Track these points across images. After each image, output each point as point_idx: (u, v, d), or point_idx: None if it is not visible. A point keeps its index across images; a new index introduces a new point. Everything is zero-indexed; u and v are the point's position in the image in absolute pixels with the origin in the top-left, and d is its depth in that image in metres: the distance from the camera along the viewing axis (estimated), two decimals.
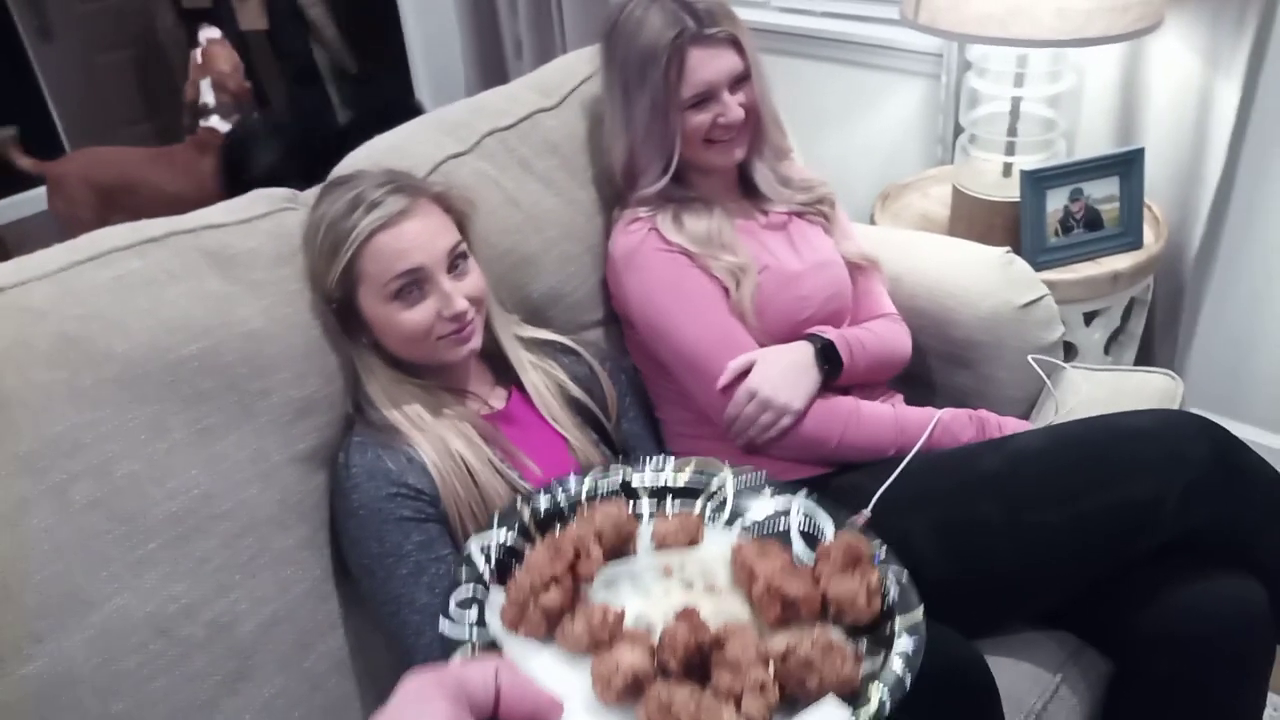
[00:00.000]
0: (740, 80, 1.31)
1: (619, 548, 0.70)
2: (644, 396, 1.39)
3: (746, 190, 1.44)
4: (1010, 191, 1.73)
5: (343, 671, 1.11)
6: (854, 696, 0.59)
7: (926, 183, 2.03)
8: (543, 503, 0.76)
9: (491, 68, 2.94)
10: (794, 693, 0.58)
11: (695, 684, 0.57)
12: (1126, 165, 1.71)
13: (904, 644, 0.63)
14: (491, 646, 0.62)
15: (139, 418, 0.99)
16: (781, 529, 0.76)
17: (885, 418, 1.27)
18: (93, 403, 0.97)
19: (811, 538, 0.75)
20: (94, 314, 1.00)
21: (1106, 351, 1.86)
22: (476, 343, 1.14)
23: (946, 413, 1.27)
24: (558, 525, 0.74)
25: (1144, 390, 1.40)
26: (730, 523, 0.77)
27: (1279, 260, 1.87)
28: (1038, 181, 1.68)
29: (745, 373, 1.26)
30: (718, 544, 0.72)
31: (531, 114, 1.43)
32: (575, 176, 1.43)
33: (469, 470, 1.08)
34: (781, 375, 1.25)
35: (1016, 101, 1.75)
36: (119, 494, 0.97)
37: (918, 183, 2.04)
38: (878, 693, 0.59)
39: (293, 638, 1.07)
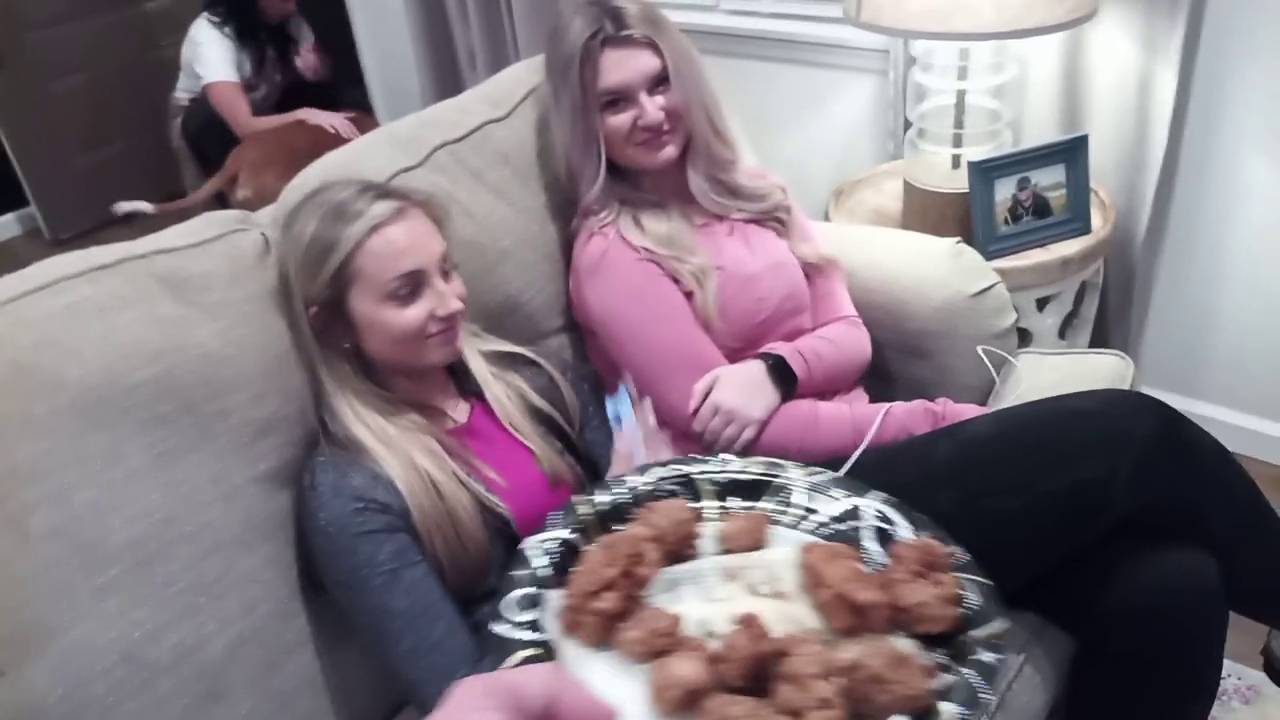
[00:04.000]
0: (660, 83, 1.32)
1: (681, 549, 0.67)
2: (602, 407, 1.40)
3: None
4: (959, 183, 1.76)
5: (314, 689, 1.11)
6: (926, 715, 0.55)
7: (879, 178, 2.06)
8: (603, 499, 0.72)
9: (446, 79, 2.94)
10: (861, 709, 0.55)
11: (755, 697, 0.54)
12: (1071, 152, 1.75)
13: (982, 658, 0.58)
14: (546, 650, 0.59)
15: (96, 444, 0.99)
16: (853, 530, 0.72)
17: (843, 419, 1.29)
18: (48, 431, 0.96)
19: (886, 539, 0.70)
20: (46, 342, 0.99)
21: (1061, 336, 1.89)
22: (461, 344, 1.16)
23: (899, 407, 1.30)
24: (617, 524, 0.70)
25: (1096, 372, 1.43)
26: (798, 524, 0.73)
27: (1227, 239, 1.92)
28: (985, 172, 1.71)
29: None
30: (785, 546, 0.69)
31: (482, 125, 1.44)
32: (528, 185, 1.44)
33: (435, 485, 1.08)
34: (741, 390, 1.28)
35: (961, 94, 1.78)
36: (78, 522, 0.96)
37: (871, 178, 2.07)
38: (954, 712, 0.54)
39: (261, 657, 1.07)
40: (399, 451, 1.08)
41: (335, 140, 2.70)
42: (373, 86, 3.31)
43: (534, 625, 0.61)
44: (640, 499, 0.73)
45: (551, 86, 1.35)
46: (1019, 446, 1.10)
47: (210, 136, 3.05)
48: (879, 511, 0.72)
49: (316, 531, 1.05)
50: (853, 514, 0.73)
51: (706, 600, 0.64)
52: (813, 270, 1.45)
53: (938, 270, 1.48)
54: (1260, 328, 1.95)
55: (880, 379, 1.50)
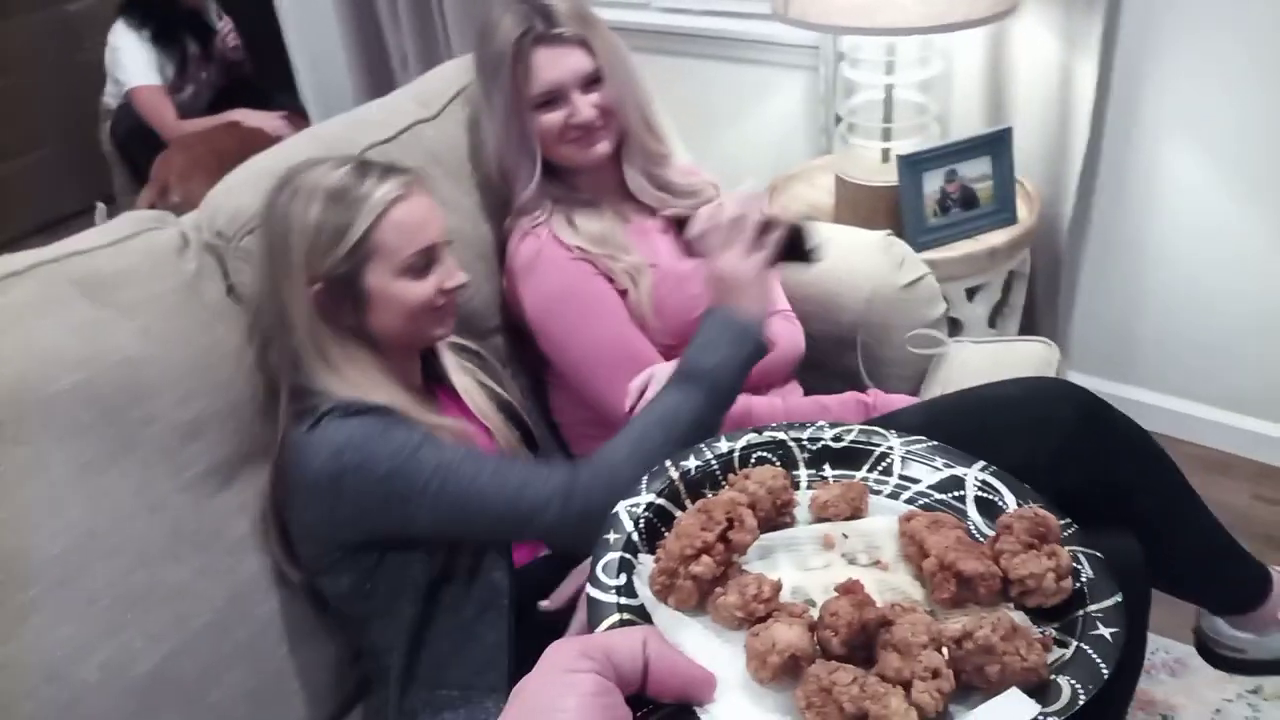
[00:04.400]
0: (592, 81, 1.32)
1: (774, 517, 0.65)
2: (540, 403, 1.40)
3: (629, 192, 1.46)
4: (889, 176, 1.79)
5: (253, 701, 1.10)
6: (1041, 688, 0.52)
7: (813, 172, 2.08)
8: (692, 464, 0.70)
9: (378, 80, 2.91)
10: (971, 681, 0.52)
11: (859, 666, 0.52)
12: (996, 144, 1.79)
13: (1099, 632, 0.56)
14: (639, 615, 0.57)
15: (14, 458, 0.96)
16: (956, 499, 0.69)
17: (777, 415, 1.30)
18: None
19: (990, 509, 0.68)
20: None
21: (992, 324, 1.94)
22: (453, 324, 1.19)
23: (832, 399, 1.31)
24: (708, 490, 0.68)
25: (1024, 359, 1.46)
26: (898, 494, 0.70)
27: (1148, 226, 1.97)
28: (913, 165, 1.74)
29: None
30: (884, 515, 0.66)
31: (411, 125, 1.42)
32: (460, 185, 1.43)
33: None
34: None
35: (889, 89, 1.81)
36: None
37: (804, 173, 2.09)
38: (1069, 685, 0.52)
39: (195, 673, 1.05)
40: (412, 409, 1.09)
41: (265, 142, 2.66)
42: (304, 88, 3.26)
43: (627, 589, 0.59)
44: (732, 465, 0.71)
45: (483, 86, 1.34)
46: (945, 434, 1.11)
47: (138, 141, 2.99)
48: (982, 481, 0.70)
49: (340, 449, 1.01)
50: (955, 483, 0.70)
51: (802, 569, 0.62)
52: None
53: (869, 263, 1.50)
54: (1183, 312, 2.01)
55: (815, 371, 1.52)
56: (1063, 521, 0.64)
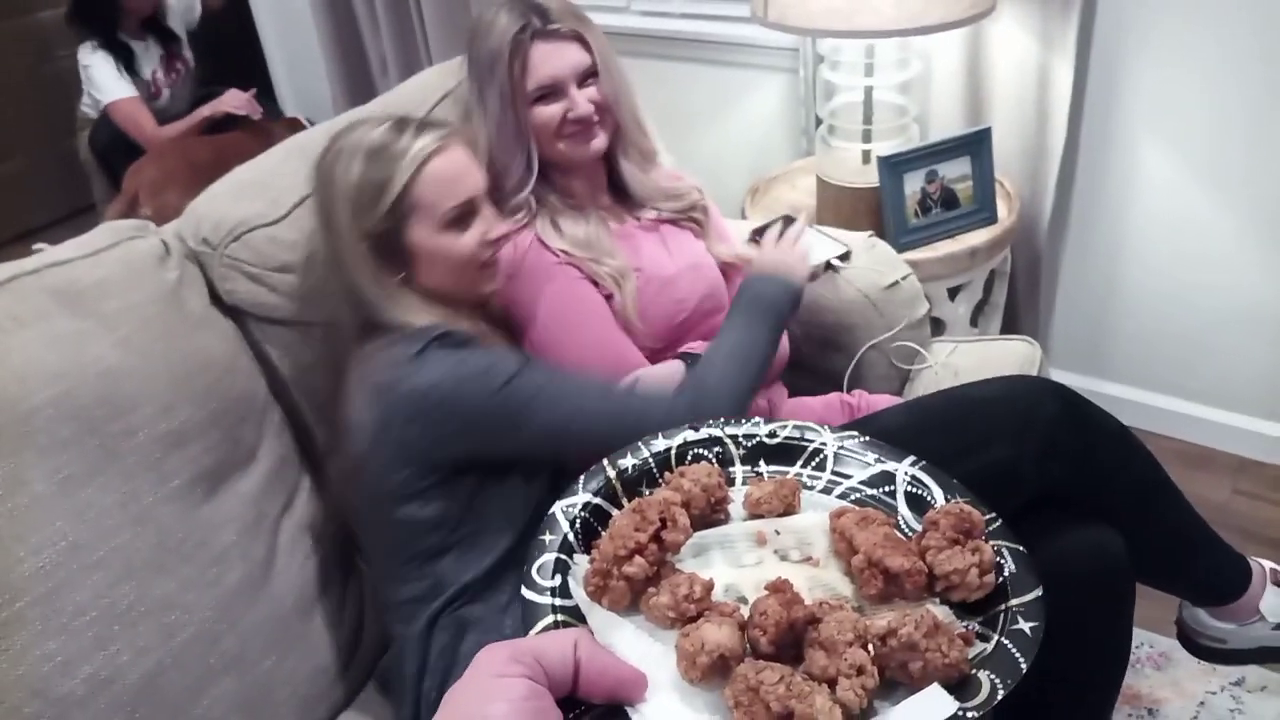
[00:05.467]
0: (588, 76, 1.33)
1: (709, 514, 0.66)
2: None
3: (616, 194, 1.47)
4: (870, 178, 1.80)
5: (243, 712, 1.09)
6: (962, 683, 0.54)
7: (794, 174, 2.09)
8: (629, 463, 0.70)
9: (358, 86, 2.90)
10: (895, 677, 0.54)
11: (787, 664, 0.53)
12: (975, 145, 1.80)
13: (1020, 626, 0.57)
14: (574, 615, 0.58)
15: None
16: (886, 495, 0.71)
17: (760, 415, 1.31)
18: None
19: (920, 504, 0.69)
20: None
21: (974, 323, 1.95)
22: (500, 279, 1.23)
23: (816, 400, 1.32)
24: (645, 488, 0.69)
25: (1007, 357, 1.48)
26: (830, 489, 0.72)
27: (1126, 224, 1.99)
28: (894, 166, 1.75)
29: None
30: (816, 511, 0.68)
31: None
32: None
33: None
34: None
35: (869, 91, 1.82)
36: None
37: (786, 175, 2.10)
38: (989, 680, 0.53)
39: (183, 685, 1.04)
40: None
41: (240, 152, 2.65)
42: (283, 95, 3.25)
43: (562, 590, 0.60)
44: (669, 463, 0.72)
45: (476, 84, 1.34)
46: (930, 434, 1.13)
47: (119, 150, 2.97)
48: (911, 476, 0.71)
49: (439, 384, 1.06)
50: (886, 479, 0.72)
51: (735, 566, 0.63)
52: (730, 269, 1.47)
53: (851, 264, 1.51)
54: (1162, 309, 2.03)
55: (800, 372, 1.53)
56: (988, 516, 0.65)
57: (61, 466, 1.00)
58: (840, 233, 1.58)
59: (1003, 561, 0.62)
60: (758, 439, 0.75)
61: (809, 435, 0.75)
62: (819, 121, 1.99)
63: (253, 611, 1.12)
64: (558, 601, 0.59)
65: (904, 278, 1.51)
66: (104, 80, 2.89)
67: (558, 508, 0.66)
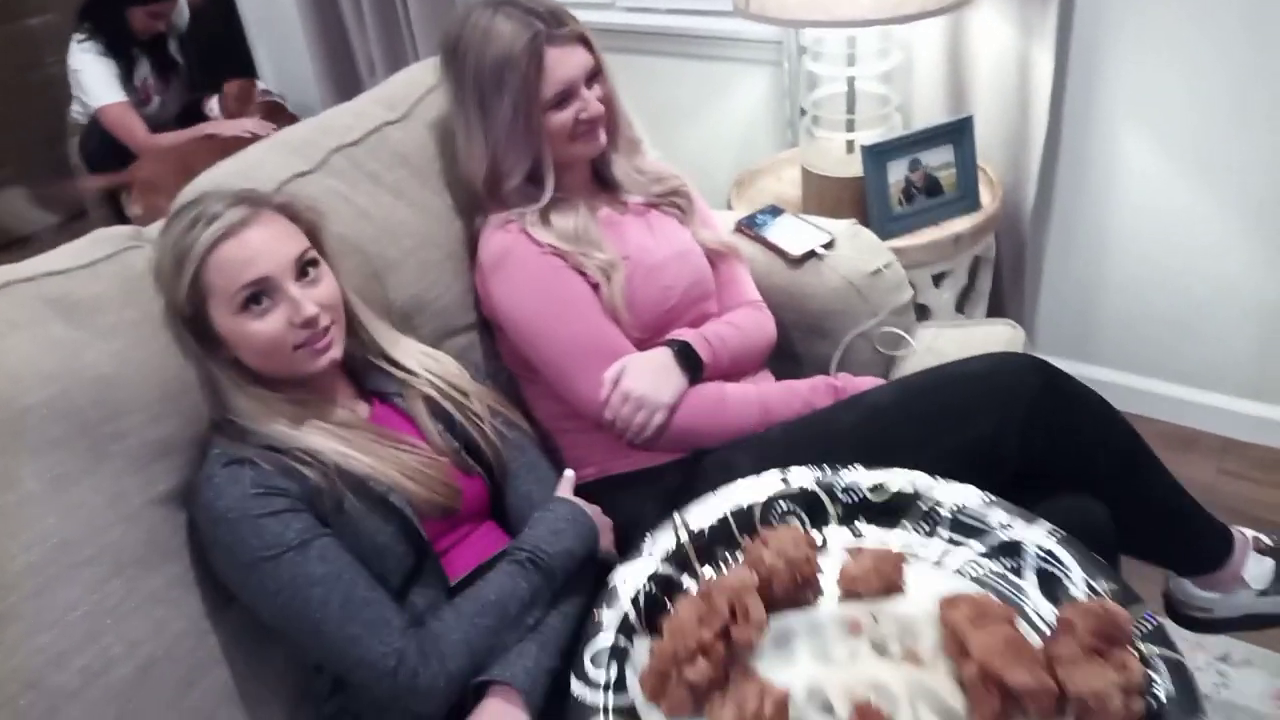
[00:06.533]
0: (594, 75, 1.35)
1: (796, 594, 0.57)
2: (516, 403, 1.41)
3: (601, 183, 1.48)
4: (854, 167, 1.81)
5: (232, 703, 1.10)
6: None
7: (779, 165, 2.11)
8: (705, 521, 0.60)
9: (347, 88, 2.91)
10: None
11: None
12: (958, 133, 1.81)
13: None
14: (630, 715, 0.50)
15: None
16: (1013, 571, 0.59)
17: (750, 400, 1.32)
18: None
19: (1053, 585, 0.57)
20: None
21: (959, 309, 1.96)
22: (336, 352, 1.13)
23: (802, 384, 1.33)
24: (722, 550, 0.57)
25: (989, 340, 1.49)
26: (943, 558, 0.60)
27: (1109, 209, 2.01)
28: (878, 155, 1.77)
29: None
30: (923, 592, 0.57)
31: (378, 128, 1.44)
32: (428, 184, 1.44)
33: (338, 467, 1.07)
34: (650, 376, 1.29)
35: (851, 81, 1.83)
36: None
37: (771, 166, 2.11)
38: None
39: (175, 677, 1.05)
40: (299, 440, 1.07)
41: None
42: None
43: (618, 683, 0.52)
44: (750, 521, 0.61)
45: (474, 94, 1.33)
46: (916, 411, 1.14)
47: (109, 156, 2.97)
48: (1044, 551, 0.59)
49: (216, 520, 1.02)
50: (1013, 550, 0.61)
51: (823, 660, 0.54)
52: (716, 257, 1.48)
53: (836, 251, 1.52)
54: (1145, 292, 2.05)
55: (786, 359, 1.54)
56: (1145, 617, 0.52)
57: (53, 465, 1.00)
58: (824, 221, 1.59)
59: (1155, 680, 0.50)
60: (860, 494, 0.64)
61: (921, 489, 0.63)
62: (803, 113, 2.00)
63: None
64: (612, 700, 0.51)
65: (887, 265, 1.52)
66: (93, 85, 2.89)
67: (620, 576, 0.58)
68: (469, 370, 1.30)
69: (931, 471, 1.10)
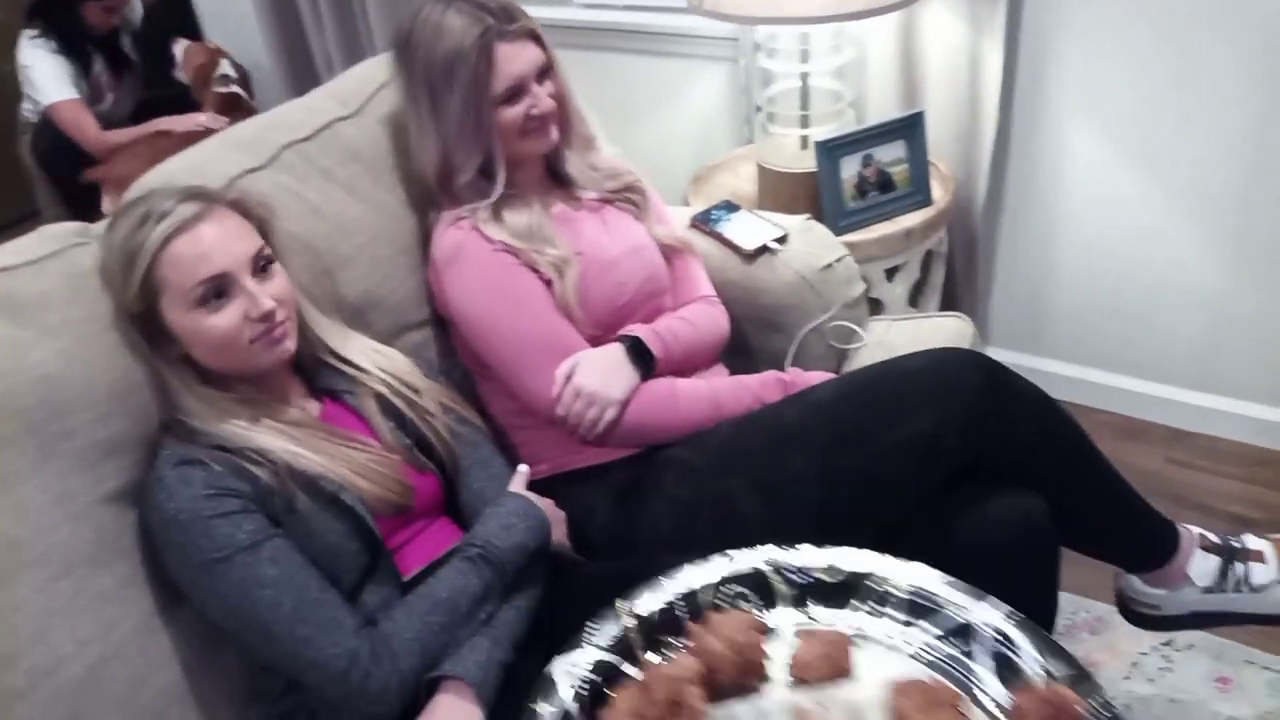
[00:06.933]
0: (545, 71, 1.36)
1: (743, 681, 0.56)
2: (470, 398, 1.41)
3: (555, 179, 1.49)
4: (808, 163, 1.83)
5: (184, 702, 1.09)
6: None
7: (736, 162, 2.12)
8: (650, 606, 0.59)
9: (304, 83, 2.88)
10: None
11: None
12: (909, 128, 1.84)
13: None
14: None
15: None
16: (963, 655, 0.59)
17: (701, 395, 1.33)
18: None
19: (1009, 669, 0.57)
20: None
21: (913, 303, 1.99)
22: (291, 344, 1.13)
23: (752, 379, 1.35)
24: (668, 637, 0.57)
25: (940, 333, 1.52)
26: (894, 641, 0.60)
27: (1059, 204, 2.04)
28: (831, 151, 1.79)
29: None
30: (873, 677, 0.57)
31: (330, 123, 1.43)
32: (380, 180, 1.44)
33: (290, 468, 1.07)
34: (602, 373, 1.30)
35: (805, 77, 1.85)
36: None
37: (728, 162, 2.13)
38: None
39: (125, 676, 1.04)
40: (250, 440, 1.07)
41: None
42: None
43: None
44: (697, 605, 0.60)
45: (425, 89, 1.33)
46: (860, 406, 1.16)
47: (61, 154, 2.93)
48: (998, 632, 0.59)
49: (168, 522, 1.02)
50: (965, 632, 0.61)
51: None
52: (670, 253, 1.49)
53: (789, 246, 1.54)
54: (1094, 285, 2.09)
55: (741, 354, 1.56)
56: (1097, 701, 0.52)
57: (1, 464, 1.00)
58: (777, 216, 1.61)
59: None
60: (813, 575, 0.62)
61: (876, 570, 0.63)
62: (759, 109, 2.02)
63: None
64: None
65: (839, 259, 1.54)
66: (44, 82, 2.84)
67: (558, 668, 0.56)
68: (421, 367, 1.30)
69: (873, 466, 1.12)
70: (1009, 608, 0.61)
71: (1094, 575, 1.36)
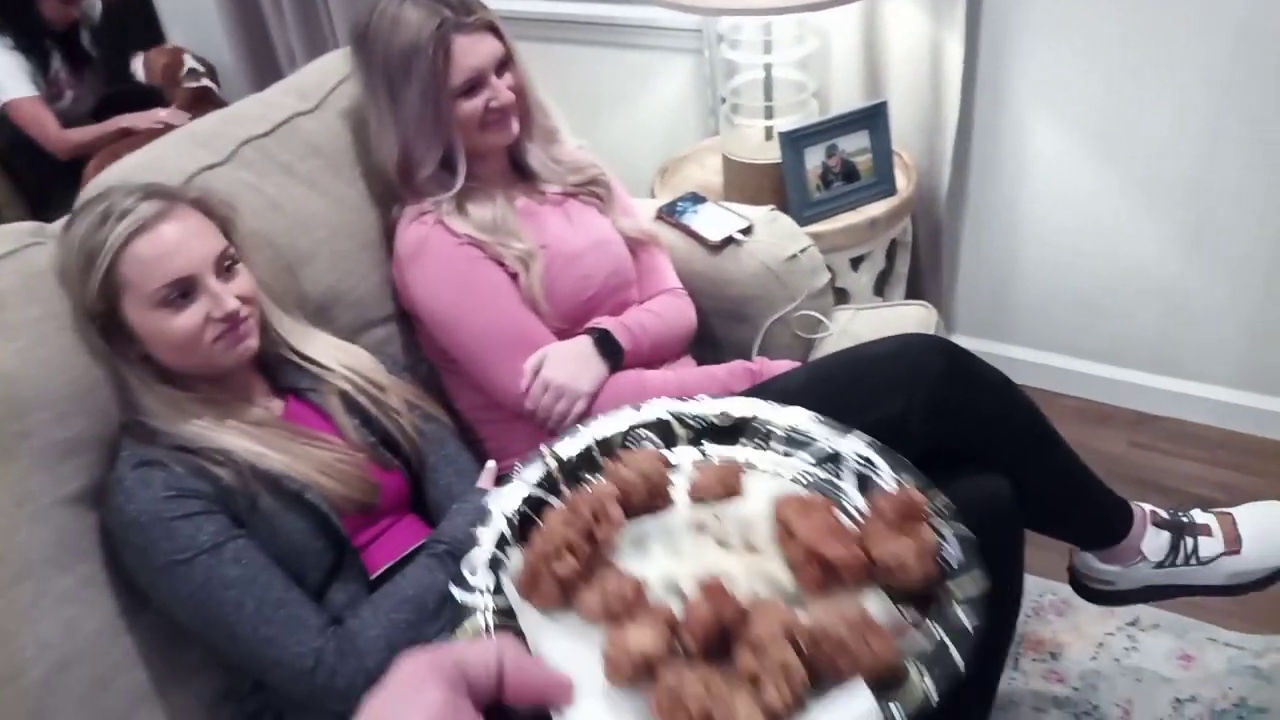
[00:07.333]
0: (504, 64, 1.35)
1: (651, 503, 0.65)
2: (437, 394, 1.41)
3: (519, 173, 1.48)
4: (773, 154, 1.84)
5: (149, 703, 1.09)
6: (894, 678, 0.53)
7: (702, 153, 2.12)
8: (570, 450, 0.69)
9: (266, 78, 2.85)
10: (824, 673, 0.53)
11: (715, 665, 0.52)
12: (872, 119, 1.85)
13: (956, 618, 0.55)
14: (509, 614, 0.57)
15: None
16: (833, 475, 0.69)
17: (670, 387, 1.34)
18: None
19: (868, 484, 0.67)
20: None
21: (879, 293, 2.00)
22: (253, 343, 1.12)
23: (720, 368, 1.35)
24: (587, 474, 0.67)
25: (904, 322, 1.53)
26: (776, 469, 0.70)
27: (1021, 193, 2.06)
28: (795, 141, 1.79)
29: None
30: (759, 496, 0.66)
31: (290, 118, 1.42)
32: (341, 175, 1.43)
33: (252, 468, 1.06)
34: (570, 365, 1.30)
35: (768, 68, 1.85)
36: None
37: (694, 154, 2.13)
38: (920, 677, 0.52)
39: (89, 677, 1.04)
40: (212, 440, 1.06)
41: None
42: None
43: (494, 588, 0.59)
44: (610, 447, 0.70)
45: (383, 82, 1.33)
46: (825, 393, 1.17)
47: (20, 153, 2.87)
48: (860, 456, 0.70)
49: (128, 524, 1.01)
50: (833, 458, 0.70)
51: (674, 556, 0.62)
52: (636, 245, 1.49)
53: (754, 237, 1.54)
54: (1057, 273, 2.11)
55: (707, 345, 1.56)
56: (940, 503, 0.63)
57: None
58: (742, 207, 1.61)
59: (945, 547, 0.60)
60: (706, 419, 0.73)
61: (760, 414, 0.73)
62: (723, 100, 2.02)
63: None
64: (491, 602, 0.57)
65: (804, 250, 1.55)
66: (0, 79, 2.80)
67: (494, 501, 0.64)
68: (386, 363, 1.29)
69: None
70: (871, 438, 0.72)
71: (1060, 558, 1.38)
